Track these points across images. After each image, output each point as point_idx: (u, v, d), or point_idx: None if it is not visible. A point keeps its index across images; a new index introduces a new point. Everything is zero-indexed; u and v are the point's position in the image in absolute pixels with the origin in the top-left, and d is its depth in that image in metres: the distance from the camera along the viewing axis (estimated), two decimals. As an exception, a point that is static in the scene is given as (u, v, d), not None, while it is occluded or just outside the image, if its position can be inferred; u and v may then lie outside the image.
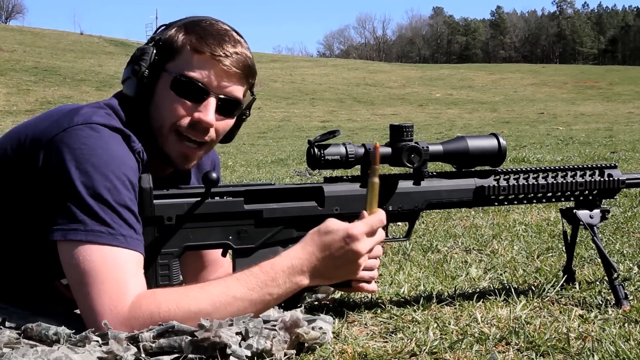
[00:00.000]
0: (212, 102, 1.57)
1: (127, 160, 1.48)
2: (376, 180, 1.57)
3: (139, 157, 1.53)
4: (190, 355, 1.35)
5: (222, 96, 1.58)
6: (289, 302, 1.57)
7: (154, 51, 1.58)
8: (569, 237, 1.99)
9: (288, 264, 1.50)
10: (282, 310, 1.61)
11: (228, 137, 1.71)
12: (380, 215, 1.57)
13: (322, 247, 1.52)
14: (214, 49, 1.55)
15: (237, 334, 1.38)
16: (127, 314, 1.38)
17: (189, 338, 1.36)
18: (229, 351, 1.35)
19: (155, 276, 1.54)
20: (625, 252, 2.56)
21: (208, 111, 1.56)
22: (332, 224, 1.54)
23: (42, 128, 1.50)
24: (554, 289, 1.96)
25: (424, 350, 1.48)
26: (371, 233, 1.55)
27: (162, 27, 1.64)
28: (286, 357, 1.42)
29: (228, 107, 1.61)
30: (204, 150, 1.63)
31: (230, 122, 1.65)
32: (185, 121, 1.56)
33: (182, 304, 1.41)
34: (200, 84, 1.55)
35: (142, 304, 1.40)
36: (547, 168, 1.85)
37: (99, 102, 1.59)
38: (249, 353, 1.37)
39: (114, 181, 1.43)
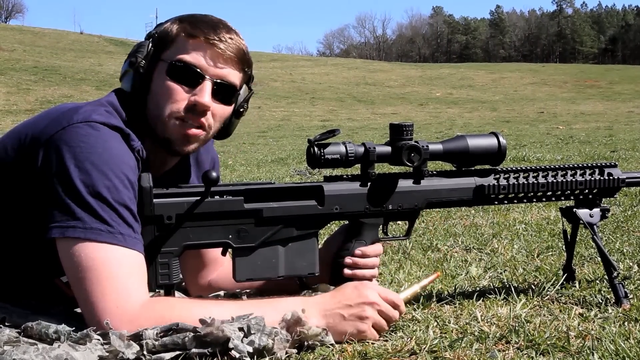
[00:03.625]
0: (207, 85, 1.57)
1: (127, 158, 1.49)
2: (418, 290, 1.77)
3: (139, 155, 1.53)
4: (193, 350, 1.35)
5: (217, 80, 1.59)
6: None
7: (150, 44, 1.60)
8: (569, 236, 1.99)
9: (302, 298, 1.57)
10: None
11: (226, 131, 1.71)
12: (399, 302, 1.61)
13: (336, 291, 1.59)
14: (208, 33, 1.57)
15: (239, 329, 1.38)
16: (137, 313, 1.39)
17: (192, 334, 1.36)
18: (231, 345, 1.35)
19: (155, 275, 1.55)
20: (625, 250, 2.56)
21: (204, 94, 1.57)
22: (351, 283, 1.63)
23: (41, 127, 1.50)
24: (554, 287, 1.96)
25: (424, 348, 1.48)
26: (384, 297, 1.58)
27: (158, 25, 1.66)
28: (287, 355, 1.43)
29: (224, 92, 1.61)
30: (204, 135, 1.62)
31: (226, 110, 1.64)
32: (182, 106, 1.57)
33: (194, 311, 1.42)
34: (195, 67, 1.56)
35: (156, 307, 1.41)
36: (547, 167, 1.85)
37: (99, 100, 1.59)
38: (250, 349, 1.37)
39: (113, 180, 1.43)
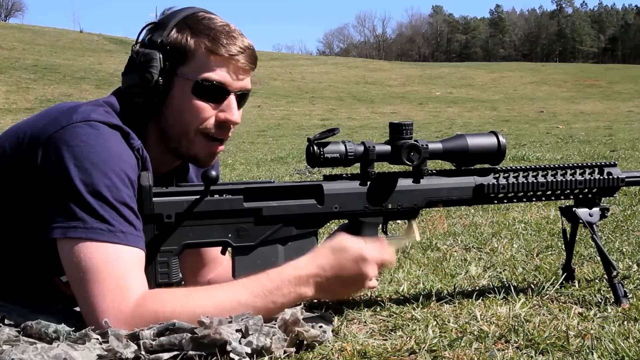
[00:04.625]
0: (233, 99, 1.60)
1: (126, 157, 1.49)
2: (417, 238, 1.75)
3: (139, 154, 1.53)
4: (190, 352, 1.35)
5: (239, 92, 1.61)
6: None
7: (161, 56, 1.55)
8: (568, 235, 1.99)
9: (295, 274, 1.51)
10: None
11: None
12: (393, 256, 1.62)
13: (333, 265, 1.54)
14: (229, 49, 1.57)
15: (237, 331, 1.38)
16: (131, 312, 1.39)
17: (190, 335, 1.36)
18: (229, 348, 1.35)
19: (154, 274, 1.55)
20: (624, 250, 2.56)
21: (233, 110, 1.60)
22: (347, 241, 1.57)
23: (40, 126, 1.50)
24: (554, 287, 1.96)
25: (423, 348, 1.48)
26: (381, 263, 1.59)
27: (150, 26, 1.61)
28: (285, 354, 1.43)
29: (243, 99, 1.65)
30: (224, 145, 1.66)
31: (241, 112, 1.67)
32: (211, 123, 1.59)
33: (186, 305, 1.42)
34: (221, 85, 1.57)
35: (147, 303, 1.41)
36: (547, 166, 1.85)
37: (97, 100, 1.59)
38: (248, 350, 1.37)
39: (113, 178, 1.43)
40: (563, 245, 2.12)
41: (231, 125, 1.61)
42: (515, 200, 1.84)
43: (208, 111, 1.58)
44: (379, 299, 1.90)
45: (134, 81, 1.56)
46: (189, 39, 1.56)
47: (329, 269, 1.53)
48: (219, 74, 1.57)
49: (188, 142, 1.59)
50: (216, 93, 1.58)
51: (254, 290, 1.47)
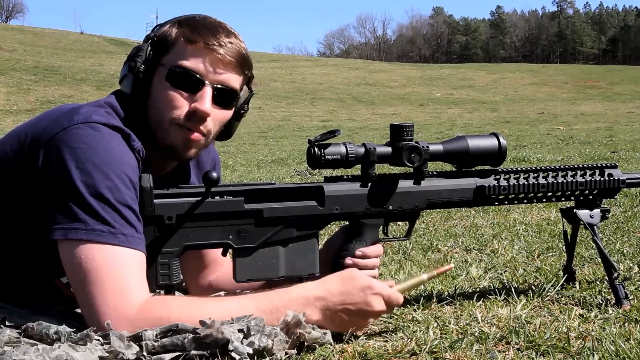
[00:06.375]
0: (207, 91, 1.57)
1: (128, 159, 1.49)
2: (425, 278, 1.65)
3: (139, 155, 1.53)
4: (192, 352, 1.35)
5: (217, 86, 1.58)
6: None
7: (149, 48, 1.58)
8: (569, 237, 1.99)
9: (303, 294, 1.51)
10: None
11: (227, 133, 1.71)
12: (400, 299, 1.59)
13: (341, 290, 1.53)
14: (207, 38, 1.56)
15: (239, 331, 1.38)
16: (135, 315, 1.39)
17: (192, 335, 1.36)
18: (231, 347, 1.35)
19: (155, 275, 1.55)
20: (625, 251, 2.56)
21: (204, 101, 1.56)
22: (357, 273, 1.57)
23: (41, 127, 1.50)
24: (554, 288, 1.96)
25: (424, 349, 1.48)
26: (388, 301, 1.55)
27: (157, 27, 1.65)
28: (287, 356, 1.43)
29: (224, 97, 1.60)
30: (204, 140, 1.62)
31: (227, 114, 1.64)
32: (183, 112, 1.56)
33: (193, 312, 1.41)
34: (194, 73, 1.55)
35: (153, 307, 1.41)
36: (548, 168, 1.85)
37: (98, 101, 1.59)
38: (250, 350, 1.37)
39: (115, 180, 1.43)
40: (564, 247, 2.12)
41: (205, 119, 1.57)
42: (516, 202, 1.84)
43: (180, 100, 1.55)
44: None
45: (124, 72, 1.60)
46: (173, 30, 1.59)
47: (336, 294, 1.52)
48: (192, 62, 1.55)
49: (163, 132, 1.57)
50: (189, 81, 1.55)
51: (261, 305, 1.47)
